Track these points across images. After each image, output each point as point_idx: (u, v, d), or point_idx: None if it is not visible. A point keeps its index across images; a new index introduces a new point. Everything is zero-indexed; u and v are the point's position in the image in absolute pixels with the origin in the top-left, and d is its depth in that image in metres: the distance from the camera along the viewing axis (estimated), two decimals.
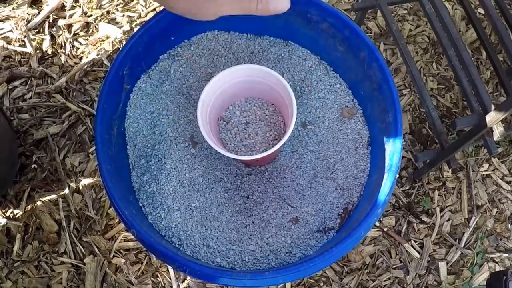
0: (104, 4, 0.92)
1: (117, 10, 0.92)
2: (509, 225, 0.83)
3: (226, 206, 0.53)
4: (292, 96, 0.48)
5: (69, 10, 0.92)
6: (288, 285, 0.77)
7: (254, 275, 0.43)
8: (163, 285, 0.76)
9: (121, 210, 0.46)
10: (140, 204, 0.52)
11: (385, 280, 0.78)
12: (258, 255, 0.50)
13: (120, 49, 0.50)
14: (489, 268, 0.80)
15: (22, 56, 0.88)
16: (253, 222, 0.52)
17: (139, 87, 0.55)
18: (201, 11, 0.38)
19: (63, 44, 0.89)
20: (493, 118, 0.61)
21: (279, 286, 0.77)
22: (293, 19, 0.54)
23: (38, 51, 0.88)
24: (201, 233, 0.50)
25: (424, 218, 0.81)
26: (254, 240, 0.50)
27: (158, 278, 0.76)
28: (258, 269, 0.49)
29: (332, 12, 0.51)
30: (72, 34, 0.90)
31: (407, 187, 0.83)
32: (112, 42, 0.88)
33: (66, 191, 0.79)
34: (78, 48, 0.89)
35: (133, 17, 0.92)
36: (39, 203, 0.79)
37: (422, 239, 0.80)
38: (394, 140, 0.49)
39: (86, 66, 0.86)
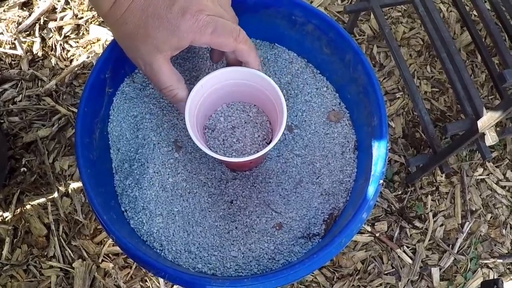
0: None
1: None
2: (504, 230, 0.81)
3: (209, 211, 0.52)
4: (281, 95, 0.47)
5: (60, 12, 0.91)
6: None
7: (233, 283, 0.42)
8: None
9: (100, 216, 0.45)
10: (123, 209, 0.51)
11: (376, 286, 0.76)
12: (240, 261, 0.49)
13: (102, 52, 0.49)
14: (482, 274, 0.78)
15: (12, 58, 0.87)
16: (236, 228, 0.51)
17: (122, 90, 0.54)
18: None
19: (53, 47, 0.88)
20: (484, 123, 0.59)
21: None
22: (278, 21, 0.54)
23: (28, 53, 0.88)
24: (183, 238, 0.50)
25: (417, 223, 0.80)
26: (237, 246, 0.50)
27: (147, 283, 0.75)
28: (240, 275, 0.48)
29: (317, 14, 0.50)
30: (62, 36, 0.89)
31: (400, 192, 0.82)
32: (103, 44, 0.87)
33: (55, 194, 0.79)
34: (68, 51, 0.88)
35: None
36: (28, 206, 0.78)
37: (414, 245, 0.79)
38: (379, 145, 0.48)
39: (76, 68, 0.86)
